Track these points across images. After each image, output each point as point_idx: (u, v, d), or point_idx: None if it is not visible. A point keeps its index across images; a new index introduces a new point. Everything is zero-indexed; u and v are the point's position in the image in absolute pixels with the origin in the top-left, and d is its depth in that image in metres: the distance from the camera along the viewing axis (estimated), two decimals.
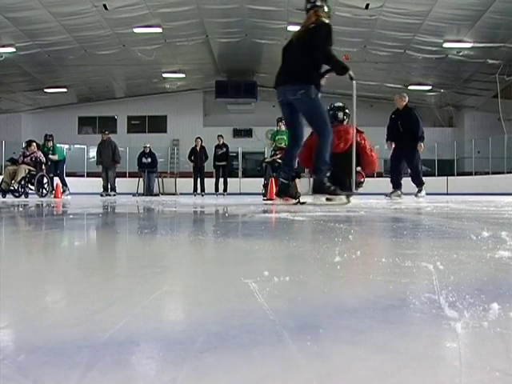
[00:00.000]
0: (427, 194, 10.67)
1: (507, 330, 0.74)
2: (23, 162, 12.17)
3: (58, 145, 14.91)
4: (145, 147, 18.45)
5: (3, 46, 18.90)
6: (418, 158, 10.21)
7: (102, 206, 6.96)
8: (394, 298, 0.97)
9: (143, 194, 17.65)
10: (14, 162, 12.33)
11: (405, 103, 10.16)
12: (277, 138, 12.77)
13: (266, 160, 13.25)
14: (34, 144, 12.64)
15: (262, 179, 12.64)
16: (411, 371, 0.59)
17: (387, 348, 0.67)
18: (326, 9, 6.15)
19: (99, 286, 1.13)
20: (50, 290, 1.14)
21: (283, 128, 12.81)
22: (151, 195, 17.38)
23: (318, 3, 6.18)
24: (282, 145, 12.42)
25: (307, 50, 5.85)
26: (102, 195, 15.45)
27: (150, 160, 18.22)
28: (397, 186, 10.18)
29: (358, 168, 6.92)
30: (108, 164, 16.02)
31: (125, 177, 23.12)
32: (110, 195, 15.58)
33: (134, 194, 17.41)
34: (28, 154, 12.39)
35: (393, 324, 0.79)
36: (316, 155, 6.04)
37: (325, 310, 0.89)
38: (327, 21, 6.05)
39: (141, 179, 18.52)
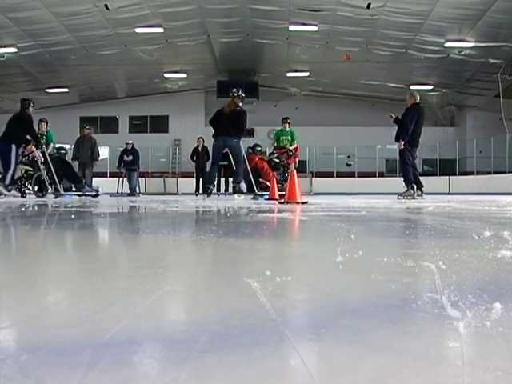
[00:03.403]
0: (428, 193, 10.58)
1: (510, 330, 0.73)
2: (21, 162, 11.64)
3: (52, 133, 13.32)
4: (127, 144, 17.34)
5: (5, 46, 18.89)
6: (403, 157, 10.05)
7: (86, 207, 6.96)
8: (396, 297, 0.96)
9: (128, 194, 16.52)
10: None
11: (411, 102, 10.06)
12: (281, 137, 12.72)
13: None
14: (32, 144, 12.30)
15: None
16: (413, 371, 0.58)
17: (389, 347, 0.67)
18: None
19: (100, 286, 1.12)
20: (51, 290, 1.14)
21: (288, 128, 12.75)
22: (132, 195, 16.27)
23: (235, 94, 9.70)
24: (288, 146, 12.40)
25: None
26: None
27: (131, 158, 17.05)
28: (406, 184, 10.01)
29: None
30: (86, 161, 14.85)
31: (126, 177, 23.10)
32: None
33: (111, 195, 16.11)
34: (26, 153, 11.83)
35: (395, 323, 0.78)
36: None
37: (327, 309, 0.89)
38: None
39: (123, 179, 17.27)
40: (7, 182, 10.18)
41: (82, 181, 13.47)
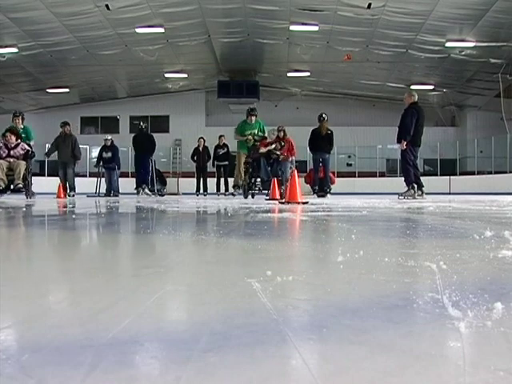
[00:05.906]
0: (429, 193, 10.56)
1: (511, 330, 0.73)
2: (9, 155, 10.31)
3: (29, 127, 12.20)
4: (106, 140, 15.87)
5: (6, 47, 18.89)
6: (404, 157, 10.00)
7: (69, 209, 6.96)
8: (398, 297, 0.97)
9: (106, 194, 15.21)
10: None
11: (409, 101, 10.04)
12: (246, 132, 11.30)
13: (261, 151, 11.06)
14: (9, 134, 10.44)
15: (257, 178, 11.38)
16: (415, 370, 0.58)
17: (391, 347, 0.67)
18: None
19: (102, 286, 1.13)
20: (54, 289, 1.14)
21: (253, 121, 11.52)
22: (109, 195, 15.06)
23: (326, 119, 12.46)
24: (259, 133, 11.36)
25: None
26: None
27: (110, 154, 15.52)
28: (407, 184, 9.98)
29: None
30: (67, 160, 13.93)
31: (127, 177, 23.13)
32: (69, 195, 13.51)
33: (88, 195, 15.02)
34: (13, 145, 10.47)
35: (396, 323, 0.78)
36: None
37: (328, 309, 0.89)
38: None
39: (101, 178, 15.89)
40: (148, 185, 14.88)
41: (166, 183, 18.53)
